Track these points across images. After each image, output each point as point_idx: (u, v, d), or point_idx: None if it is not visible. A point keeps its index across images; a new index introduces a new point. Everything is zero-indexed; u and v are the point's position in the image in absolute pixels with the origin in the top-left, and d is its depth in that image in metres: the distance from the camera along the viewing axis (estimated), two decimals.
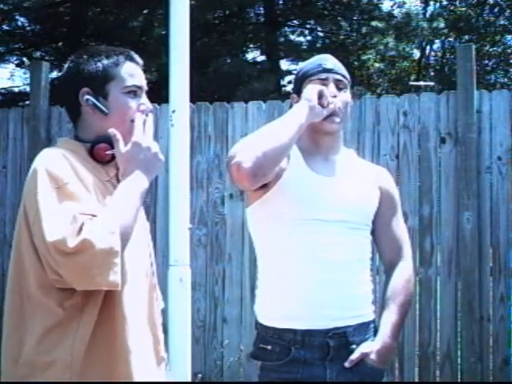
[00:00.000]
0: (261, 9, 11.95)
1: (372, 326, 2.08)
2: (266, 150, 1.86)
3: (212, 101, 4.59)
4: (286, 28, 12.38)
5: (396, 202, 2.21)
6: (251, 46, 12.47)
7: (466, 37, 17.16)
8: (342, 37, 12.63)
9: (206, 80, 8.97)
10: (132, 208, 1.60)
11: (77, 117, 1.75)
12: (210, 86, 9.10)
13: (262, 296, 2.09)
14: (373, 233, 2.14)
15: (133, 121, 1.70)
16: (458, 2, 17.59)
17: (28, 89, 5.53)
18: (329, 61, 2.13)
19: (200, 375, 4.30)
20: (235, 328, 4.31)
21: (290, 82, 11.74)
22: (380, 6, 12.00)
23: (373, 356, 2.00)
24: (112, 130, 1.67)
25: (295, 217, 2.00)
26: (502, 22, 17.49)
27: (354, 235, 2.05)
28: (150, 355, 1.71)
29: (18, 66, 12.16)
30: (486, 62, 17.86)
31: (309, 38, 12.62)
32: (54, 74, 8.82)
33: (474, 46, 4.16)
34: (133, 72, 1.75)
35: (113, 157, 1.70)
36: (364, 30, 11.51)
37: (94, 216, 1.51)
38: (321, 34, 12.74)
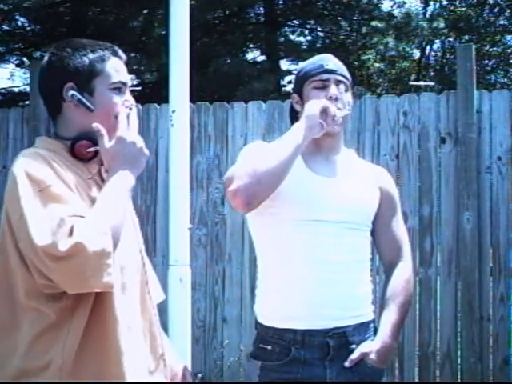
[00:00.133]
0: (261, 9, 11.94)
1: (372, 325, 2.08)
2: (261, 177, 1.86)
3: (212, 101, 4.59)
4: (286, 28, 12.37)
5: (396, 202, 2.20)
6: (251, 45, 12.45)
7: (466, 37, 17.14)
8: (341, 37, 12.62)
9: (206, 80, 8.96)
10: (121, 206, 1.57)
11: (57, 113, 1.68)
12: (210, 86, 9.09)
13: (262, 296, 2.09)
14: (372, 233, 2.14)
15: (117, 117, 1.65)
16: (458, 2, 17.57)
17: (28, 89, 5.53)
18: (330, 61, 2.11)
19: (200, 375, 4.30)
20: (235, 328, 4.32)
21: (290, 82, 11.73)
22: (380, 6, 12.00)
23: (373, 356, 2.00)
24: (96, 125, 1.62)
25: (295, 217, 2.00)
26: (502, 22, 17.48)
27: (353, 236, 2.05)
28: (146, 354, 1.68)
29: (17, 65, 12.15)
30: (486, 62, 17.84)
31: (309, 38, 12.61)
32: None
33: (473, 46, 4.17)
34: (118, 68, 1.70)
35: (94, 154, 1.65)
36: (364, 30, 11.50)
37: (81, 217, 1.48)
38: (321, 34, 12.73)
